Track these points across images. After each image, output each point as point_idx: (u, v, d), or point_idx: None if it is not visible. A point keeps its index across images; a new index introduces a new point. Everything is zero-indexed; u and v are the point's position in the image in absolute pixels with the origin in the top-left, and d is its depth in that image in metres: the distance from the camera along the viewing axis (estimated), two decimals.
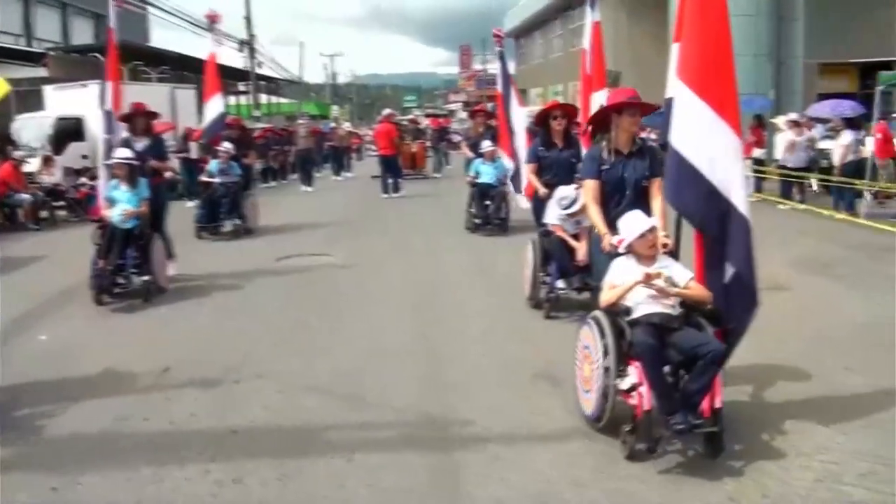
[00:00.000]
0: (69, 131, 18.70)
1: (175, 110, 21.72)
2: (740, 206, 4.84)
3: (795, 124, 16.74)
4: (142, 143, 9.80)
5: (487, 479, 4.39)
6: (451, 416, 5.36)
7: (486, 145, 13.95)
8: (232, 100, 53.42)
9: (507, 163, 12.71)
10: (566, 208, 7.75)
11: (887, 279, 9.45)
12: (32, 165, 16.70)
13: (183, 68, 34.26)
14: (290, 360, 6.62)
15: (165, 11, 32.80)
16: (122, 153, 9.06)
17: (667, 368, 4.64)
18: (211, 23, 14.73)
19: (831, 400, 5.52)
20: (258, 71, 43.73)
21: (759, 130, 18.49)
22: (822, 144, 17.90)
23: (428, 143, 28.04)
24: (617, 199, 5.61)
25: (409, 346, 6.99)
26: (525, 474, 4.45)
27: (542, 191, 8.49)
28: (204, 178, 14.15)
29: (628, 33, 35.19)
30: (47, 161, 17.01)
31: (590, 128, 6.25)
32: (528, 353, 6.67)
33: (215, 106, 13.49)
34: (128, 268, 8.86)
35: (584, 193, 5.79)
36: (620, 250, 5.03)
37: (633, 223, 5.02)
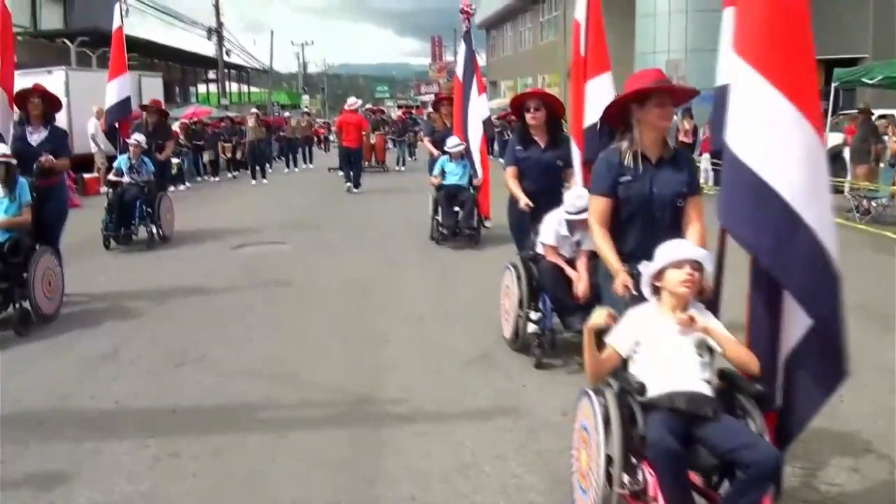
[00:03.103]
0: None
1: (141, 99, 21.70)
2: (824, 237, 3.40)
3: None
4: (38, 135, 8.16)
5: (411, 453, 4.60)
6: (383, 396, 5.58)
7: (453, 143, 11.64)
8: (202, 88, 53.54)
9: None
10: (577, 213, 5.83)
11: None
12: None
13: (151, 55, 34.18)
14: (233, 345, 6.80)
15: None
16: None
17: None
18: None
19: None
20: (227, 59, 43.60)
21: None
22: None
23: (390, 135, 27.49)
24: (641, 224, 4.12)
25: (350, 338, 7.17)
26: (448, 449, 4.66)
27: (524, 202, 6.73)
28: (111, 177, 11.91)
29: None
30: None
31: (605, 126, 4.83)
32: (464, 340, 6.83)
33: (119, 88, 11.41)
34: None
35: (591, 215, 4.26)
36: (643, 286, 3.68)
37: (672, 247, 3.63)
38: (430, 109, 20.27)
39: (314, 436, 4.90)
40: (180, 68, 45.99)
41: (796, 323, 3.50)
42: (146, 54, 32.91)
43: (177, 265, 10.55)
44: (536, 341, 6.13)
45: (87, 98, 18.57)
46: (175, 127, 21.64)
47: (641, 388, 3.42)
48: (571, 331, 6.02)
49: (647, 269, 3.62)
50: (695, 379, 3.41)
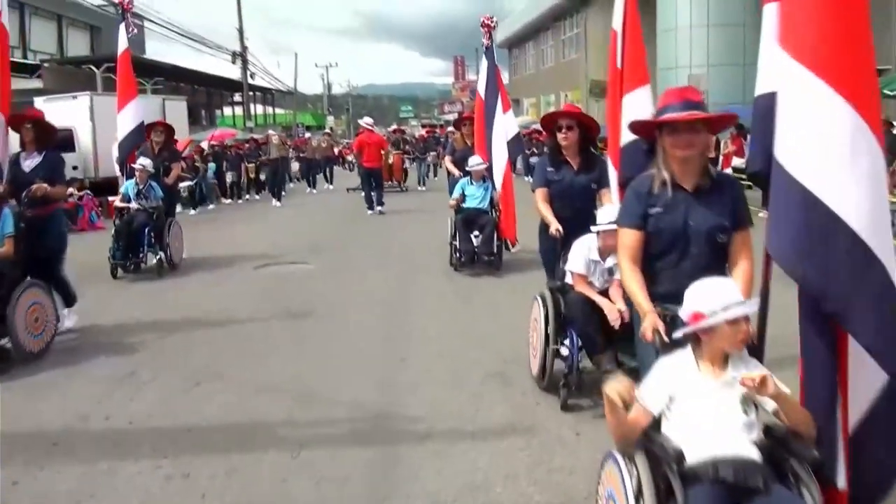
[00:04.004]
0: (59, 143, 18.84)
1: None
2: (893, 270, 2.88)
3: None
4: (31, 161, 7.72)
5: (424, 472, 4.59)
6: (399, 413, 5.58)
7: (475, 162, 11.12)
8: (227, 111, 54.18)
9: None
10: (607, 224, 5.26)
11: None
12: None
13: (177, 79, 34.65)
14: (251, 365, 6.83)
15: (159, 24, 33.13)
16: None
17: None
18: (123, 10, 11.45)
19: None
20: (252, 82, 44.05)
21: (740, 139, 18.67)
22: None
23: (408, 155, 27.58)
24: (674, 261, 3.68)
25: (369, 357, 7.19)
26: (461, 468, 4.64)
27: (554, 227, 6.37)
28: (118, 203, 11.26)
29: None
30: None
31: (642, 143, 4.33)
32: (480, 360, 6.79)
33: (133, 114, 10.92)
34: None
35: (619, 249, 3.81)
36: (679, 333, 3.17)
37: (720, 293, 3.08)
38: (452, 129, 20.12)
39: (328, 454, 4.89)
40: (206, 92, 46.64)
41: (868, 378, 2.97)
42: (171, 78, 33.33)
43: (199, 285, 10.60)
44: (563, 381, 5.57)
45: (111, 122, 18.63)
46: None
47: (679, 457, 2.92)
48: (600, 370, 5.30)
49: (699, 323, 3.05)
50: (741, 441, 2.93)
